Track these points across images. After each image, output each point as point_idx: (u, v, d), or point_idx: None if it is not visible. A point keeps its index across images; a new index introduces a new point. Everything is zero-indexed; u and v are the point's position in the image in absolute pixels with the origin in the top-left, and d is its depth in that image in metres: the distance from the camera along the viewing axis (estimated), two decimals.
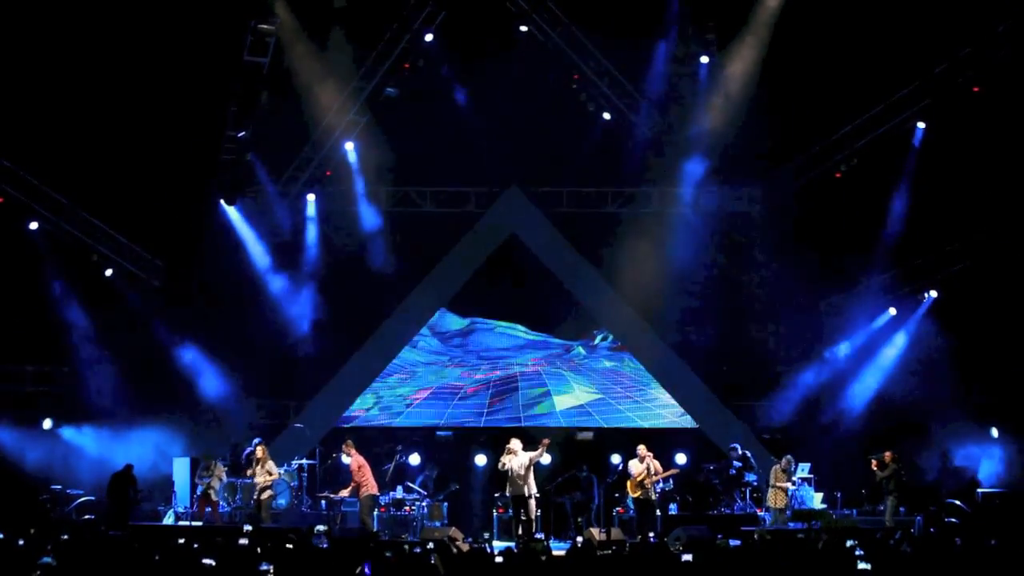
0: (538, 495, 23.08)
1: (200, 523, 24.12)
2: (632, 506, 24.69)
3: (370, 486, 23.75)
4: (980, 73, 24.75)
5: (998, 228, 25.83)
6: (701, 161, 29.10)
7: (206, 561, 13.84)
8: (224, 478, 25.20)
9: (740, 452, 26.96)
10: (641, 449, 24.25)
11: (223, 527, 22.54)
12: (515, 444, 22.91)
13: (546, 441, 22.82)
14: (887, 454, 24.90)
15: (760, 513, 25.29)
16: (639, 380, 30.52)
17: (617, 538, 22.00)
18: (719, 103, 28.35)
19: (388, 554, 14.37)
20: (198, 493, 25.08)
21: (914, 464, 26.35)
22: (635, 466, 24.09)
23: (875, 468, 24.93)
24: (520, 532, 22.62)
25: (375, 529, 23.67)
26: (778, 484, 24.85)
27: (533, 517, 22.87)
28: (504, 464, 22.82)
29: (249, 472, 24.55)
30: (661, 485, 24.63)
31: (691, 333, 29.88)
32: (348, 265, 29.62)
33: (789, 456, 25.23)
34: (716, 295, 29.48)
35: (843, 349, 28.82)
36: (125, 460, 25.54)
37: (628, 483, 24.30)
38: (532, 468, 22.78)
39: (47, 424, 27.72)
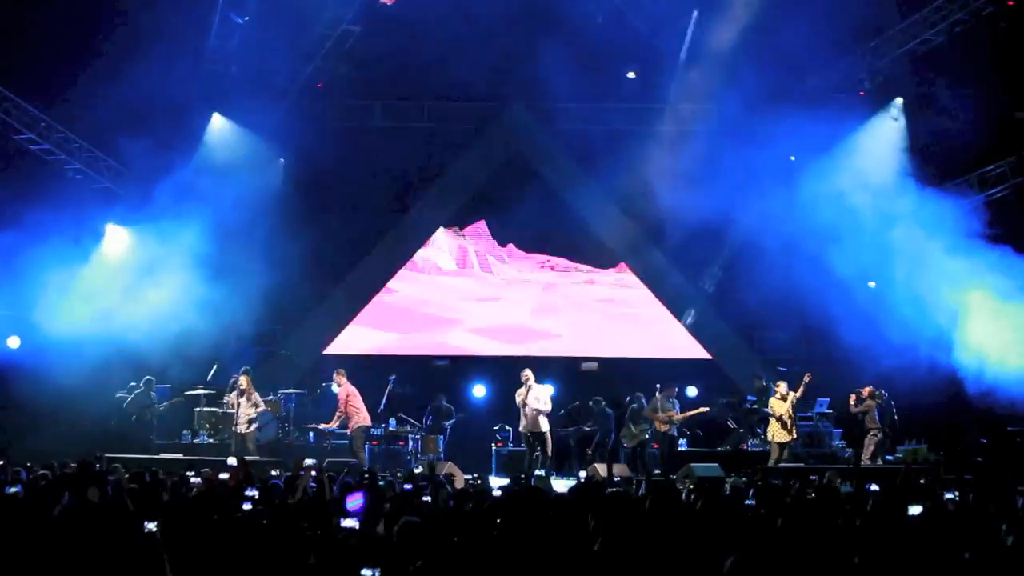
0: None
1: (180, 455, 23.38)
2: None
3: (361, 417, 22.97)
4: None
5: None
6: (712, 78, 27.70)
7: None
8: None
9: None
10: (671, 389, 24.33)
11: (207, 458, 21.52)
12: (530, 375, 22.50)
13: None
14: (865, 389, 23.84)
15: None
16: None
17: (622, 474, 21.34)
18: (726, 24, 27.03)
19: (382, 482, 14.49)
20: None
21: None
22: (664, 404, 24.06)
23: (852, 403, 23.89)
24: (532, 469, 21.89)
25: (367, 463, 22.63)
26: (775, 413, 23.38)
27: (549, 453, 22.57)
28: (522, 397, 22.39)
29: (228, 400, 23.67)
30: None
31: (702, 259, 29.22)
32: (339, 183, 28.63)
33: (783, 382, 23.85)
34: (727, 218, 28.25)
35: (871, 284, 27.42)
36: (100, 385, 25.11)
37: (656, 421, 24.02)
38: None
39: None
